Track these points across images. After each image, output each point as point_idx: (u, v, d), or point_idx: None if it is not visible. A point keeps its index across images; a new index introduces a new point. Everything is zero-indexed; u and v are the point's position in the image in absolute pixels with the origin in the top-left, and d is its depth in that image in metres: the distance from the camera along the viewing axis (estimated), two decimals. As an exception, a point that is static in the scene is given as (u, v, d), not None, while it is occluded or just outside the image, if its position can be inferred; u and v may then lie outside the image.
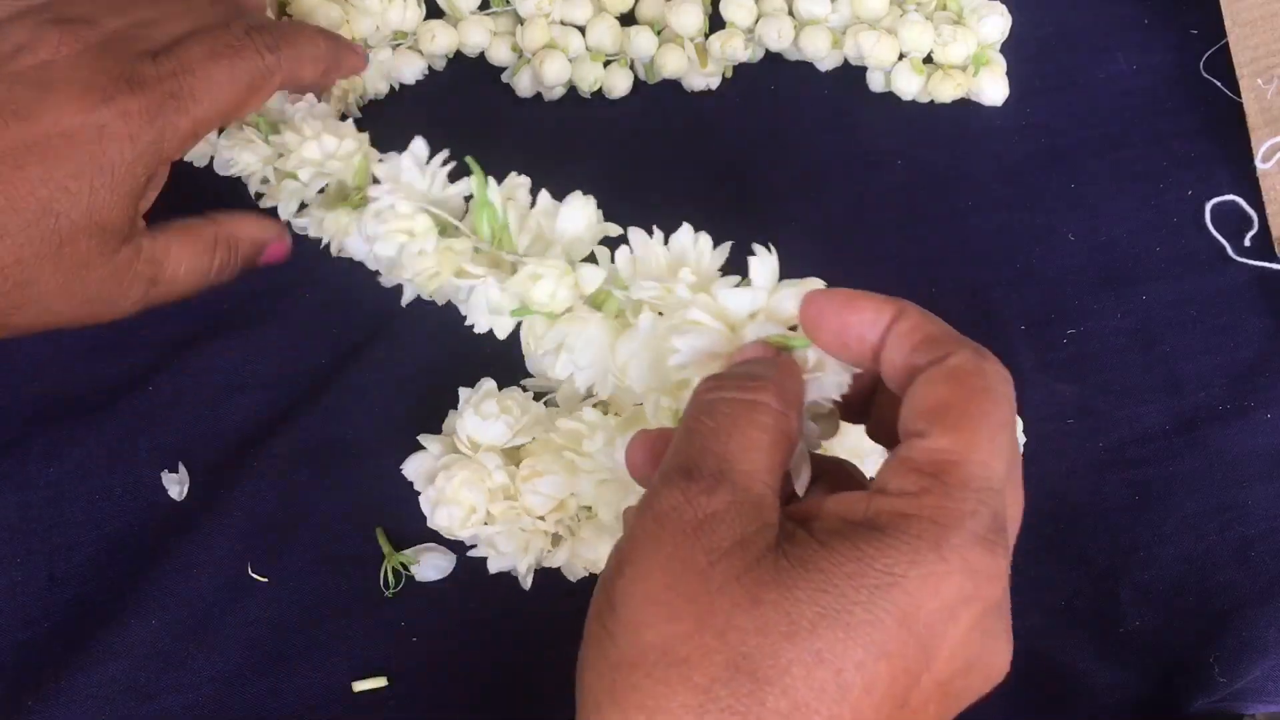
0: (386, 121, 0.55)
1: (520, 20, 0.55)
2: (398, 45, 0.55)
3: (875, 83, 0.55)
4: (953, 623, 0.26)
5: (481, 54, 0.56)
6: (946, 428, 0.28)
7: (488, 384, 0.44)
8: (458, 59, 0.57)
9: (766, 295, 0.33)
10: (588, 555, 0.42)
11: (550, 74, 0.54)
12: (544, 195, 0.41)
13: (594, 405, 0.42)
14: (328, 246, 0.44)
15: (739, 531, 0.27)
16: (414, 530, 0.44)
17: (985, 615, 0.27)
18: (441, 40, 0.55)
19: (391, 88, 0.56)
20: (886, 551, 0.26)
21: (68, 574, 0.44)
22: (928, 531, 0.26)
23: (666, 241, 0.36)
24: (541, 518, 0.42)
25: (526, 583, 0.42)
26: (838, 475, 0.33)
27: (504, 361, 0.45)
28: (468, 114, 0.56)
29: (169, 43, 0.40)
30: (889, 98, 0.55)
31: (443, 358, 0.48)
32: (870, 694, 0.26)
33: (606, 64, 0.55)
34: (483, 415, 0.42)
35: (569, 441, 0.41)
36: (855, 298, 0.31)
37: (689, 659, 0.26)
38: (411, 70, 0.55)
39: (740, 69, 0.56)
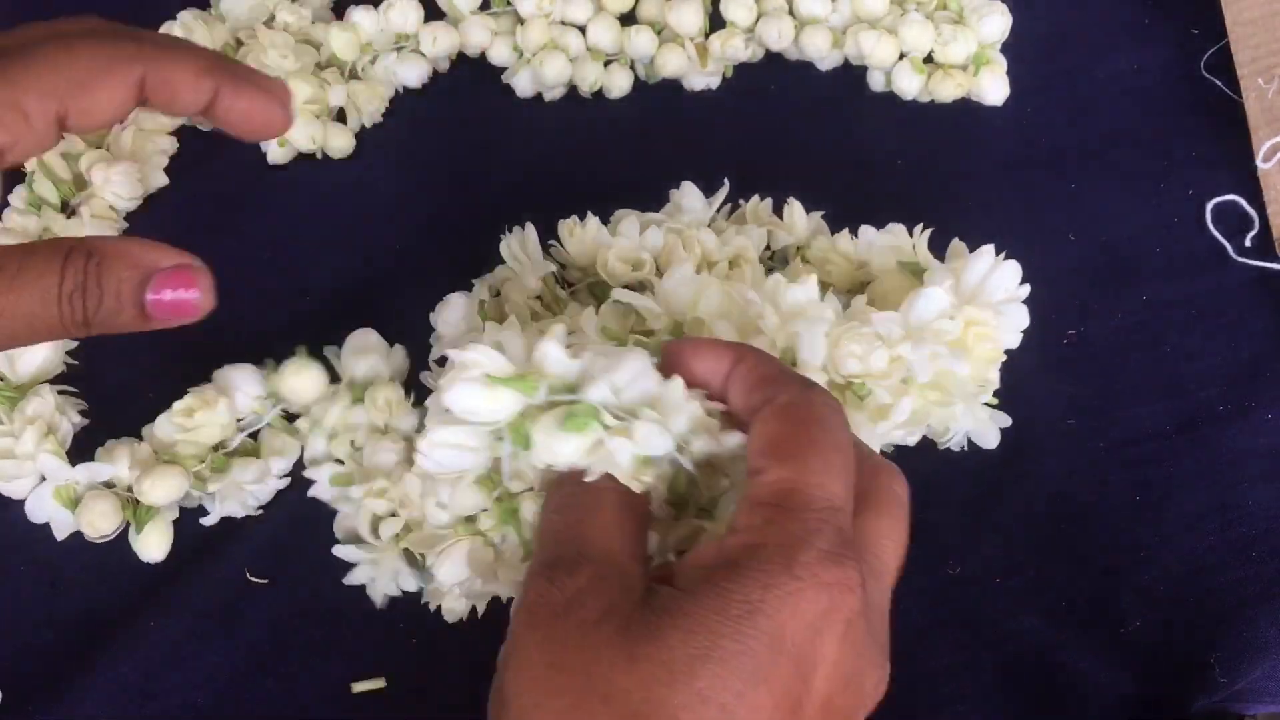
0: (389, 126, 0.56)
1: (520, 20, 0.55)
2: (400, 49, 0.55)
3: (875, 82, 0.55)
4: (819, 638, 0.27)
5: (482, 55, 0.56)
6: (781, 460, 0.30)
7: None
8: (459, 60, 0.57)
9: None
10: None
11: (551, 74, 0.54)
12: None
13: None
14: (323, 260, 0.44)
15: (606, 600, 0.28)
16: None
17: (850, 628, 0.28)
18: (443, 42, 0.55)
19: (396, 91, 0.56)
20: (743, 582, 0.27)
21: (70, 579, 0.44)
22: (777, 555, 0.28)
23: None
24: None
25: None
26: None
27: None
28: (469, 116, 0.56)
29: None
30: (889, 97, 0.55)
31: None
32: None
33: (607, 64, 0.55)
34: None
35: None
36: (699, 346, 0.33)
37: None
38: (414, 74, 0.55)
39: (740, 69, 0.56)
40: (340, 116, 0.55)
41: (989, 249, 0.41)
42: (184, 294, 0.32)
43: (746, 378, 0.32)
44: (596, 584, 0.28)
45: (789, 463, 0.29)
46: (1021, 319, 0.42)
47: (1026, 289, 0.42)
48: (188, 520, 0.45)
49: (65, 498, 0.44)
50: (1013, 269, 0.41)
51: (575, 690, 0.27)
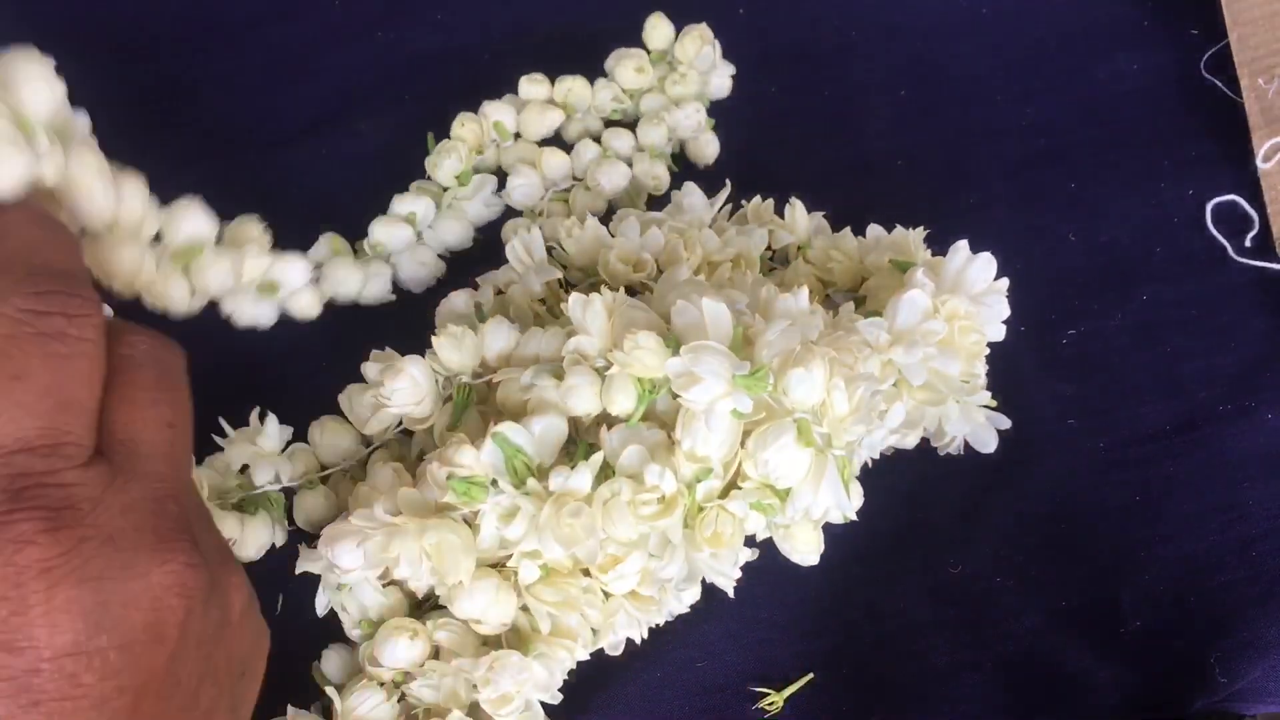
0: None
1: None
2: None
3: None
4: (25, 615, 0.24)
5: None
6: None
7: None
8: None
9: None
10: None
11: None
12: None
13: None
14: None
15: None
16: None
17: (63, 571, 0.24)
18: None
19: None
20: None
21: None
22: None
23: None
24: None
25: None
26: None
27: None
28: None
29: None
30: (889, 96, 0.55)
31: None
32: None
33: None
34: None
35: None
36: None
37: None
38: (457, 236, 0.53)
39: (740, 69, 0.56)
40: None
41: (963, 244, 0.42)
42: None
43: None
44: None
45: None
46: (1002, 309, 0.42)
47: (1005, 281, 0.42)
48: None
49: None
50: (988, 261, 0.42)
51: None
